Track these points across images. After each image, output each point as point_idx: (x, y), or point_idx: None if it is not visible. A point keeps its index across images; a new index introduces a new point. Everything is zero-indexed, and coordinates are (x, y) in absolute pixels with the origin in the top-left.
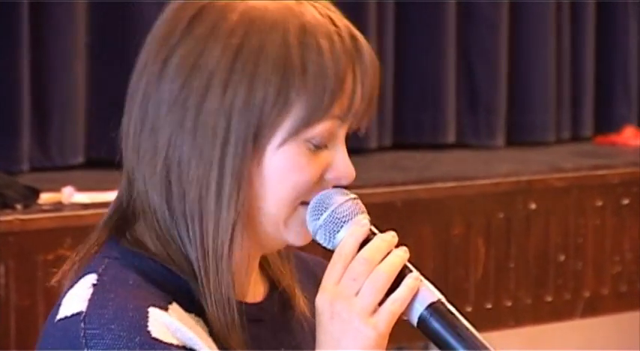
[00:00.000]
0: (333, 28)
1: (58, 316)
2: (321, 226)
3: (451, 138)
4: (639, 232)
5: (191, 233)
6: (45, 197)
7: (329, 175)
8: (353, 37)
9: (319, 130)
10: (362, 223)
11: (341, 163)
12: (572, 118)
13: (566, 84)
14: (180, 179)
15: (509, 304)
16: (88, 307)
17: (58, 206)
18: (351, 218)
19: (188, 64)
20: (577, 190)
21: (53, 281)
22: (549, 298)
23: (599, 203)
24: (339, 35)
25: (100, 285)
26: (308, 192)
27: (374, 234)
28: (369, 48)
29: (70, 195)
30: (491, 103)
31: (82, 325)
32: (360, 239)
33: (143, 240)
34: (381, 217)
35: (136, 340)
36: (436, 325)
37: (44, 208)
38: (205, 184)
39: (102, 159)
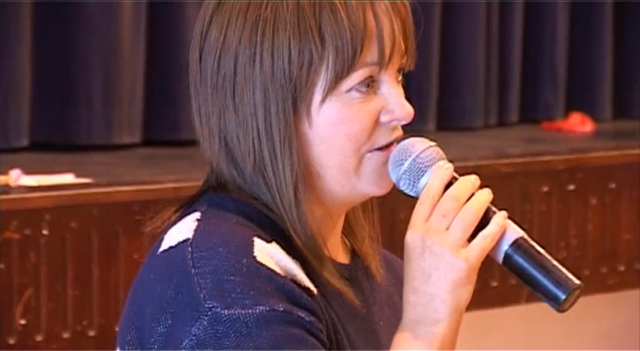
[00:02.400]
0: None
1: (162, 248)
2: (405, 172)
3: None
4: (584, 218)
5: (263, 196)
6: None
7: (384, 119)
8: None
9: (355, 80)
10: (445, 167)
11: (394, 105)
12: (499, 103)
13: (495, 71)
14: (238, 155)
15: None
16: (194, 235)
17: (6, 189)
18: (433, 163)
19: (217, 49)
20: (523, 176)
21: (148, 228)
22: (495, 284)
23: (545, 189)
24: None
25: (204, 219)
26: (367, 139)
27: (455, 178)
28: None
29: (18, 178)
30: (424, 89)
31: (189, 249)
32: (446, 180)
33: (237, 191)
34: None
35: (243, 261)
36: (521, 260)
37: None
38: (259, 154)
39: (46, 142)
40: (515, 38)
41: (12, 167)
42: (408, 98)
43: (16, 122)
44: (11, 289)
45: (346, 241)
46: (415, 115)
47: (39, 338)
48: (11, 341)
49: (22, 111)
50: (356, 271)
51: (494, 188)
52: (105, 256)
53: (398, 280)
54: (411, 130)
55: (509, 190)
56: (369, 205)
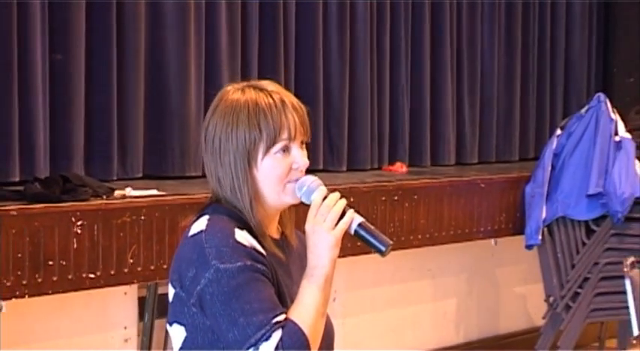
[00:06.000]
0: (270, 100)
1: (190, 234)
2: (303, 193)
3: (320, 166)
4: (402, 213)
5: (238, 205)
6: (117, 192)
7: (294, 166)
8: (281, 100)
9: (277, 148)
10: (323, 189)
11: (298, 159)
12: (378, 154)
13: (376, 137)
14: (224, 186)
15: None
16: (206, 229)
17: (124, 197)
18: (317, 187)
19: (212, 135)
20: (373, 192)
21: (182, 224)
22: (359, 243)
23: (383, 198)
24: (274, 102)
25: (211, 219)
26: (286, 177)
27: (328, 194)
28: (292, 100)
29: (130, 191)
30: (339, 148)
31: (204, 235)
32: (323, 196)
33: (226, 203)
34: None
35: (230, 241)
36: (363, 233)
37: (116, 197)
38: (233, 185)
39: (151, 174)
40: (385, 116)
41: (127, 186)
42: (327, 154)
43: (137, 163)
44: (125, 245)
45: (279, 226)
46: (334, 162)
47: (139, 269)
48: (125, 270)
49: (138, 156)
50: (282, 242)
51: (359, 199)
52: (172, 231)
53: (303, 244)
54: (333, 169)
55: (366, 199)
56: (290, 207)
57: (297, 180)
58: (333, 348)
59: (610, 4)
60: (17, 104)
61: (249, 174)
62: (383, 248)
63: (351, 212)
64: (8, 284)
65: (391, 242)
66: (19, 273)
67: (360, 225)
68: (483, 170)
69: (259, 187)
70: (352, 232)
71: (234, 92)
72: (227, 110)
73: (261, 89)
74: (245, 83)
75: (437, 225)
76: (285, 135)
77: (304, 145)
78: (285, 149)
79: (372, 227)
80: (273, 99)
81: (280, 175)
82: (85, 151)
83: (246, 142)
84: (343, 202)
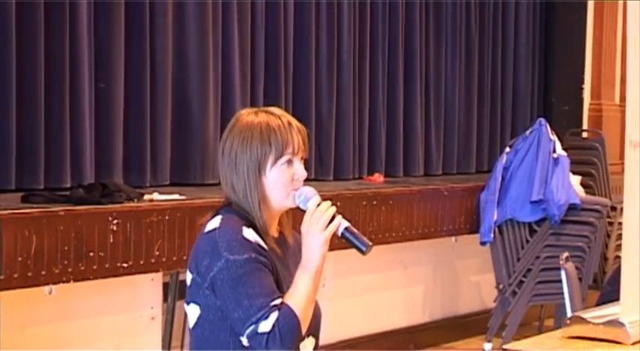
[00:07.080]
0: (280, 122)
1: (205, 231)
2: (301, 200)
3: (311, 176)
4: (379, 215)
5: (247, 208)
6: (146, 197)
7: (295, 177)
8: (289, 122)
9: (283, 160)
10: (317, 198)
11: (299, 171)
12: (359, 167)
13: (357, 151)
14: (237, 191)
15: None
16: (219, 226)
17: (151, 200)
18: (313, 196)
19: (229, 149)
20: (356, 198)
21: (199, 222)
22: (343, 241)
23: (364, 203)
24: (283, 124)
25: (223, 219)
26: (289, 186)
27: (321, 202)
28: (296, 123)
29: (157, 196)
30: (325, 162)
31: (217, 232)
32: (317, 203)
33: (236, 206)
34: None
35: (239, 237)
36: (348, 235)
37: (145, 200)
38: (245, 190)
39: (176, 182)
40: (365, 135)
41: (155, 191)
42: (317, 166)
43: (165, 172)
44: (152, 240)
45: (278, 226)
46: (323, 172)
47: (164, 259)
48: (152, 260)
49: (166, 167)
50: (281, 240)
51: (344, 203)
52: (191, 228)
53: (298, 243)
54: (322, 178)
55: (350, 203)
56: (288, 211)
57: (297, 189)
58: (320, 327)
59: (549, 48)
60: (69, 125)
61: (259, 181)
62: (364, 248)
63: (339, 218)
64: (57, 271)
65: (371, 244)
66: (65, 262)
67: (346, 229)
68: (446, 180)
69: (266, 192)
70: (339, 234)
71: (248, 115)
72: (243, 128)
73: (271, 113)
74: (257, 108)
75: (408, 225)
76: (289, 150)
77: (303, 161)
78: (289, 162)
79: (356, 231)
80: (281, 121)
81: (284, 183)
82: (123, 162)
83: (259, 154)
84: (333, 209)
